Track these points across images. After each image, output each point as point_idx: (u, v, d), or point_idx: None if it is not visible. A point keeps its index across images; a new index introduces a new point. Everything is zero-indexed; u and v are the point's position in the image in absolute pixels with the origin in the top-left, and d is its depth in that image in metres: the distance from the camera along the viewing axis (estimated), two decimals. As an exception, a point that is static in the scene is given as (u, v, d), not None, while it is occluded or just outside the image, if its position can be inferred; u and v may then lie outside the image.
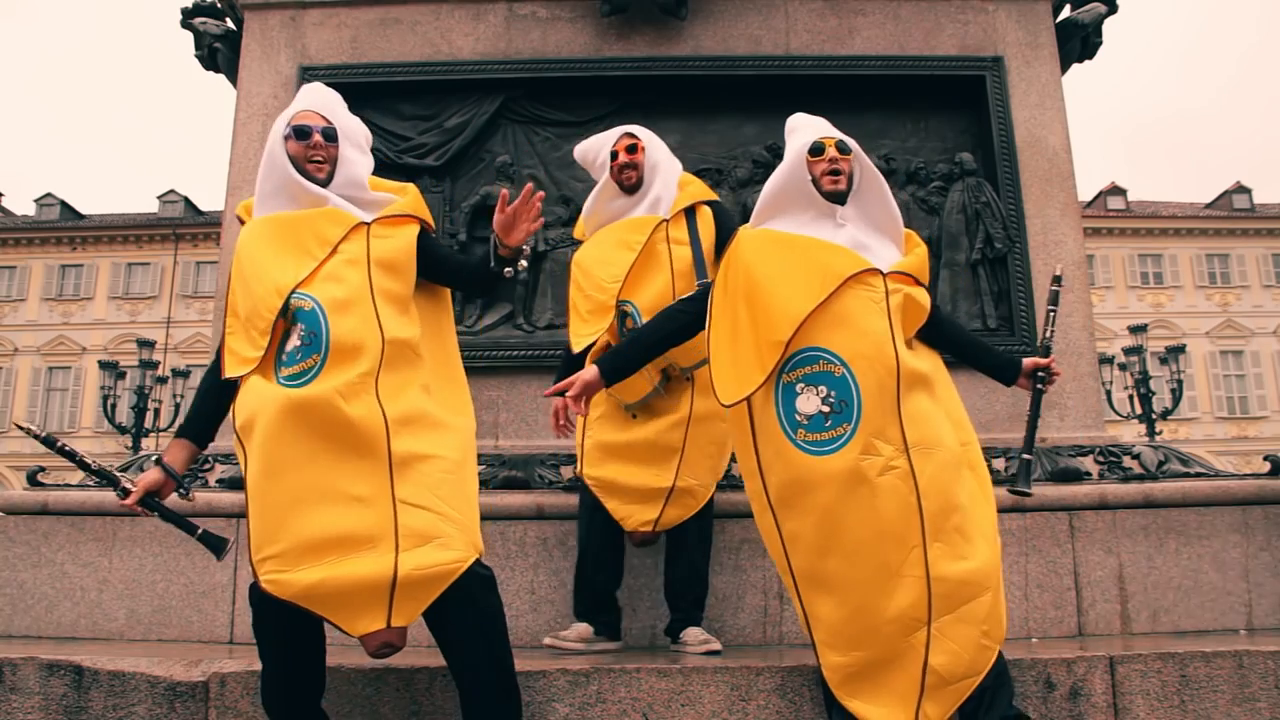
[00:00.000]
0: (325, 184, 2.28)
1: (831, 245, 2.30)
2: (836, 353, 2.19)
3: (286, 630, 2.06)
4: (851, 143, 2.43)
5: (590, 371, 2.45)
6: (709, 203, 3.09)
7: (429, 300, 2.38)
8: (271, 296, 2.15)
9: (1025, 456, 2.62)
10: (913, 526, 2.10)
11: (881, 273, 2.27)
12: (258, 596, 2.04)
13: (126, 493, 2.19)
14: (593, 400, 2.86)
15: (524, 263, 2.30)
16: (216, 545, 2.21)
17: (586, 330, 2.96)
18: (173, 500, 2.25)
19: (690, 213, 3.02)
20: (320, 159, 2.28)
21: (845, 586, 2.15)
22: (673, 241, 2.97)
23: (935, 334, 2.46)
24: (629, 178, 3.05)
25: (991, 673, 2.15)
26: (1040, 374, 2.58)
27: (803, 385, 2.20)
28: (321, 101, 2.36)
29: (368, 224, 2.24)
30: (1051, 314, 2.68)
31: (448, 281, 2.42)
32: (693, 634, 2.93)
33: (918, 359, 2.29)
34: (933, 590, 2.09)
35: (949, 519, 2.13)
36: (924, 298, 2.35)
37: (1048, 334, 2.63)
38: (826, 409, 2.17)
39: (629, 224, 3.03)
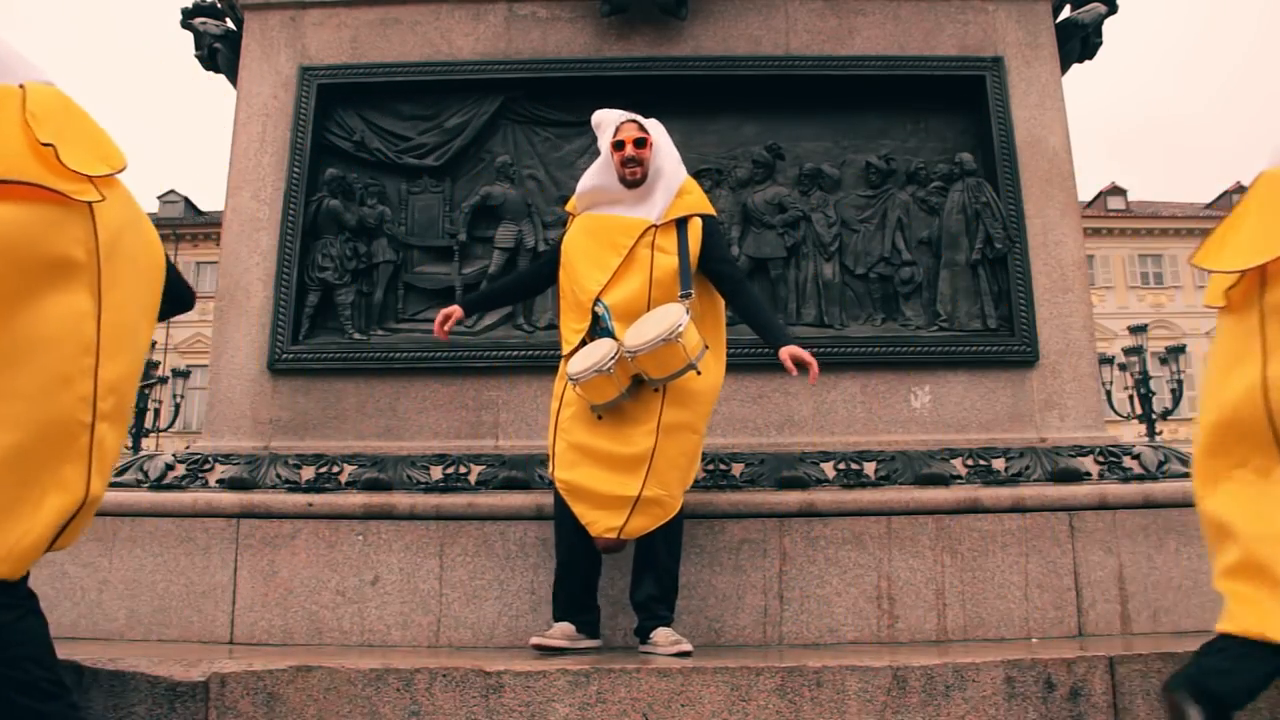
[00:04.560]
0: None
1: None
2: None
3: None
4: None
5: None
6: (702, 216, 3.06)
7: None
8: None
9: None
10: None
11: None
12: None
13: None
14: (565, 399, 2.98)
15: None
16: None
17: (572, 333, 3.05)
18: None
19: (682, 222, 3.01)
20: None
21: None
22: (657, 249, 2.97)
23: None
24: (633, 174, 3.04)
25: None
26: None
27: None
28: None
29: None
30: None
31: None
32: (663, 634, 2.91)
33: None
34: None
35: None
36: None
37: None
38: None
39: (621, 225, 3.01)
